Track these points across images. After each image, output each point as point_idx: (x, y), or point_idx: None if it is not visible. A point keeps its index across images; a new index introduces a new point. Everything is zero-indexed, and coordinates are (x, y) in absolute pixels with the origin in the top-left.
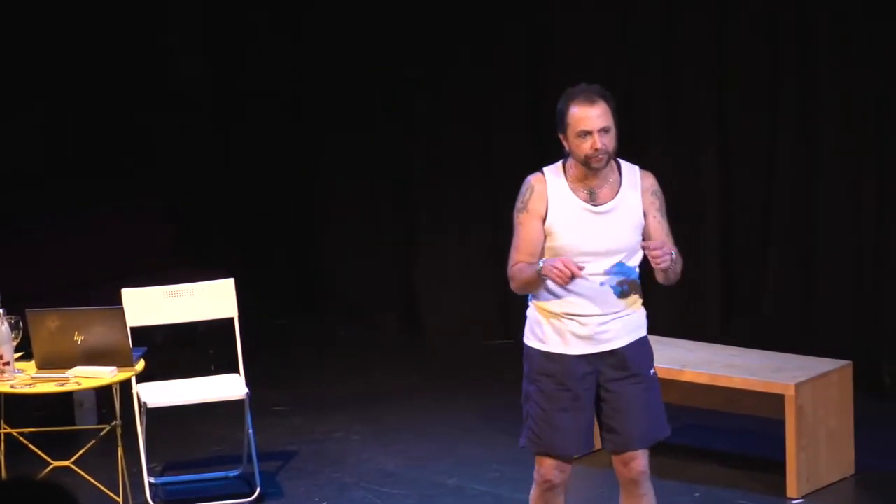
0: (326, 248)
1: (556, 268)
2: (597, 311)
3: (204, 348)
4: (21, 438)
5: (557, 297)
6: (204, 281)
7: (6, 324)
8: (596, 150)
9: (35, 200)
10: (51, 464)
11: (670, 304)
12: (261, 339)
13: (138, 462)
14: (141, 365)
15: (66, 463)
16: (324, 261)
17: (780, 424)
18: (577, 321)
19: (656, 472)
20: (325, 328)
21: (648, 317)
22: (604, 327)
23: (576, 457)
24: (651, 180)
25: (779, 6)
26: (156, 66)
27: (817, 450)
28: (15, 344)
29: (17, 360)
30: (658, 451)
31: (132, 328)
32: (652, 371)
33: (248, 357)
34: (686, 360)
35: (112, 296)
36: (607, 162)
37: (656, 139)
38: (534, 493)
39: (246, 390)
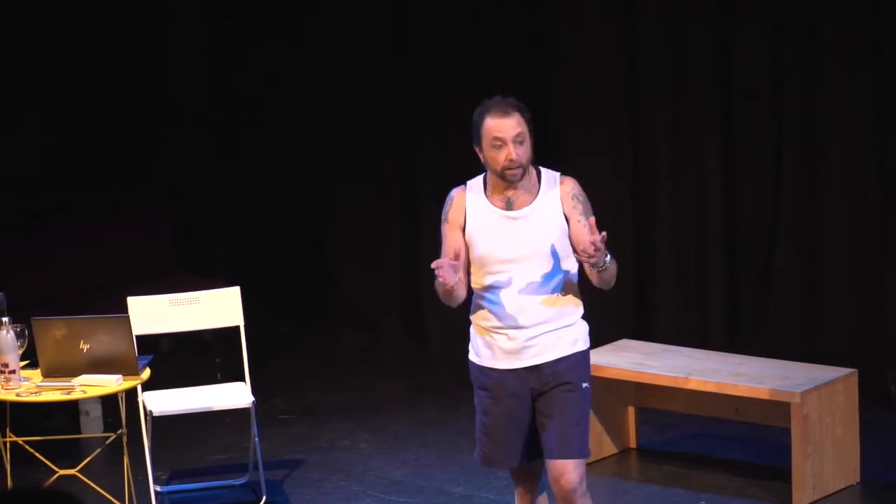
0: (331, 255)
1: (435, 267)
2: (524, 323)
3: (210, 356)
4: (27, 447)
5: (486, 309)
6: (208, 289)
7: (12, 332)
8: (511, 160)
9: (34, 208)
10: (56, 472)
11: (675, 311)
12: (266, 347)
13: (144, 470)
14: (147, 373)
15: (71, 471)
16: (328, 268)
17: (786, 432)
18: (505, 335)
19: (661, 480)
20: (331, 336)
21: (653, 325)
22: (532, 342)
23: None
24: (570, 184)
25: (781, 7)
26: (156, 72)
27: (823, 458)
28: (20, 352)
29: (23, 368)
30: (664, 460)
31: (138, 336)
32: (585, 385)
33: (255, 365)
34: (692, 369)
35: (117, 303)
36: (523, 174)
37: (661, 144)
38: (515, 496)
39: (252, 398)
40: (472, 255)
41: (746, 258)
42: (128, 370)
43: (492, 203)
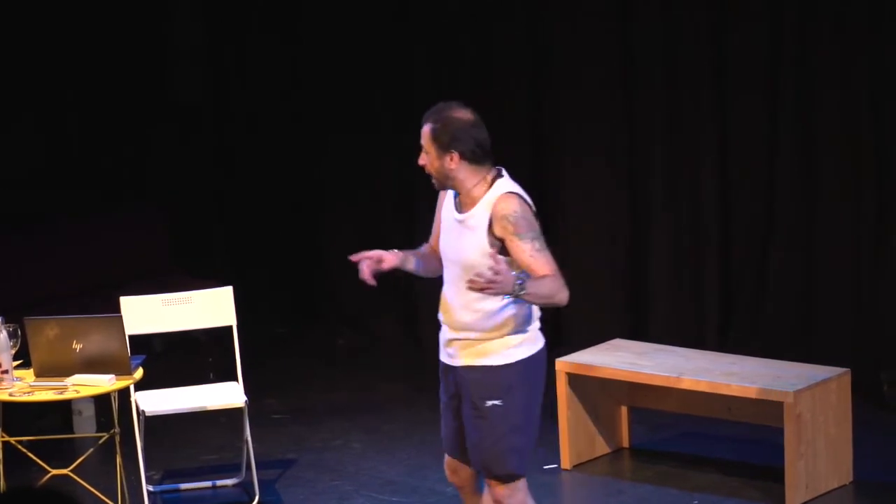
0: (329, 256)
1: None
2: (447, 322)
3: (203, 356)
4: (20, 447)
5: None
6: (203, 289)
7: (5, 332)
8: (420, 164)
9: (33, 208)
10: (49, 472)
11: (670, 311)
12: (260, 347)
13: (137, 470)
14: (139, 373)
15: (64, 471)
16: (327, 268)
17: (779, 432)
18: (441, 327)
19: (654, 480)
20: (325, 336)
21: (648, 325)
22: (451, 343)
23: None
24: (504, 205)
25: (779, 10)
26: (156, 72)
27: (816, 457)
28: (13, 352)
29: (16, 368)
30: (657, 459)
31: (131, 336)
32: (491, 403)
33: (247, 365)
34: (685, 368)
35: (115, 304)
36: (438, 183)
37: (657, 144)
38: None
39: (245, 398)
40: None
41: (742, 258)
42: (120, 370)
43: (454, 200)
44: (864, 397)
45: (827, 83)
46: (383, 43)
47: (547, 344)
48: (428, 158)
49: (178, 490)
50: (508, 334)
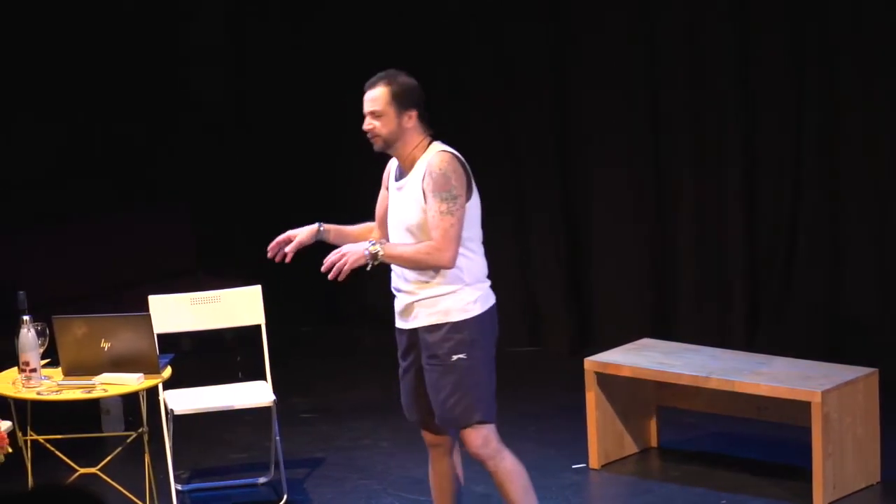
0: None
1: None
2: (400, 287)
3: (231, 355)
4: (48, 445)
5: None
6: (230, 287)
7: (33, 330)
8: (364, 130)
9: (59, 208)
10: (77, 471)
11: (697, 311)
12: (288, 346)
13: (165, 469)
14: (168, 372)
15: (92, 470)
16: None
17: (807, 432)
18: (396, 295)
19: (682, 480)
20: (352, 335)
21: (674, 324)
22: (409, 307)
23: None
24: (435, 159)
25: (803, 19)
26: (179, 72)
27: (843, 457)
28: (41, 350)
29: (44, 366)
30: (685, 459)
31: (159, 335)
32: (457, 357)
33: (276, 364)
34: (712, 368)
35: (139, 302)
36: (385, 145)
37: (683, 149)
38: None
39: (273, 397)
40: None
41: (769, 257)
42: (149, 369)
43: (395, 171)
44: (892, 397)
45: (851, 93)
46: (402, 43)
47: (497, 303)
48: (383, 120)
49: (206, 489)
50: (467, 286)
